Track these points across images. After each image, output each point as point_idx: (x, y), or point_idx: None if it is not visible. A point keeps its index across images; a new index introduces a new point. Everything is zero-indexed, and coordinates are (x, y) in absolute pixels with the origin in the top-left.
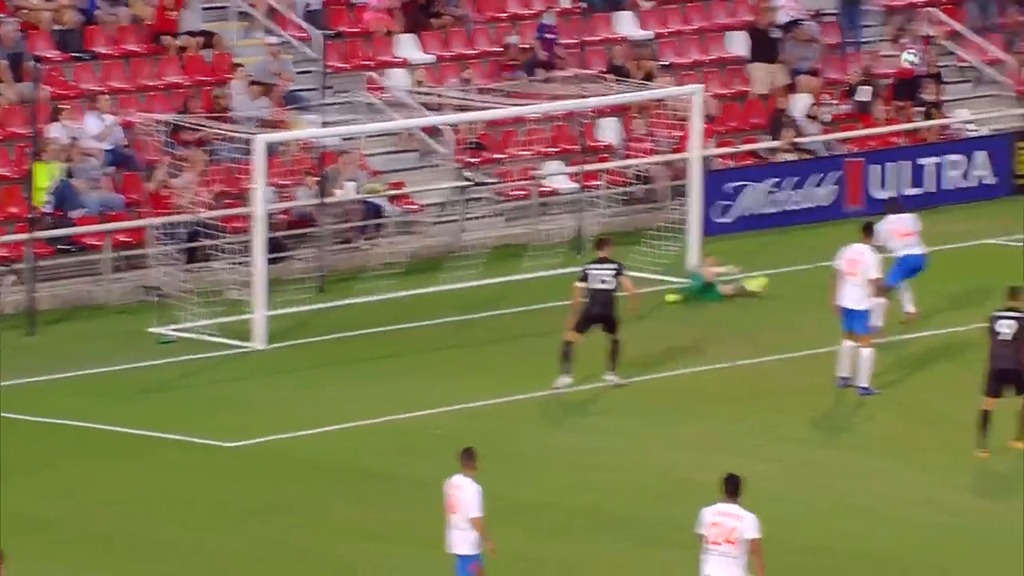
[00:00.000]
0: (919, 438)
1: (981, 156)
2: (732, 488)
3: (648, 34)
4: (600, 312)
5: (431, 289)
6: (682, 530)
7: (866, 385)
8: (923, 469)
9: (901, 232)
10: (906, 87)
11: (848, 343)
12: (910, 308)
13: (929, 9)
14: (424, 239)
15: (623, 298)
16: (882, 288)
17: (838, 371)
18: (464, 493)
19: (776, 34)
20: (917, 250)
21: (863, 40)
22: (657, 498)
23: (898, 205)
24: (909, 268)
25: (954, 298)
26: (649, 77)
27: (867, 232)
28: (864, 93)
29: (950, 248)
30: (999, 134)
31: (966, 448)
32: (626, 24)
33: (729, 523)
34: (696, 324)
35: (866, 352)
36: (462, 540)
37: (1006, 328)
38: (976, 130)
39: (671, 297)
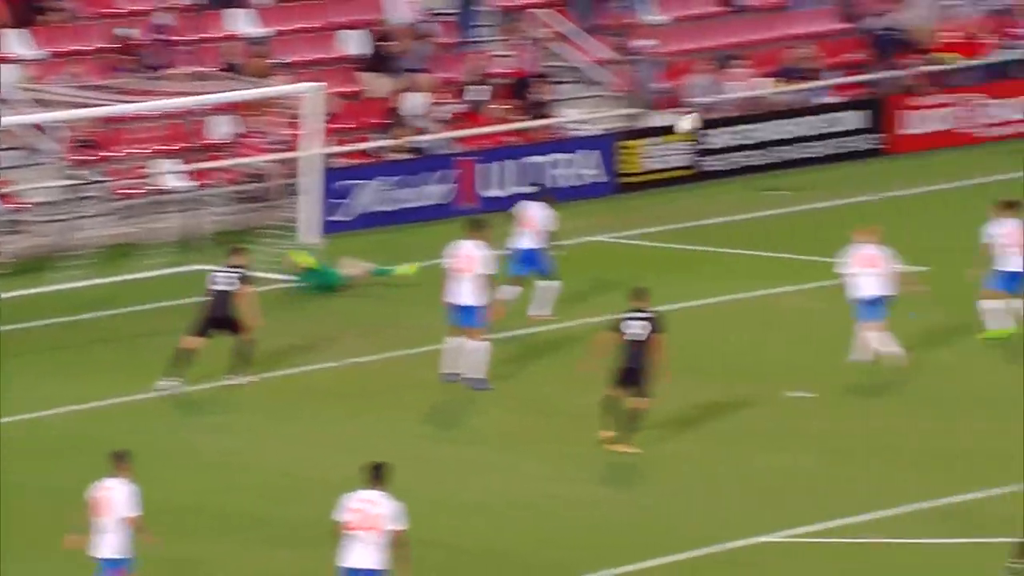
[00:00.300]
0: (534, 431)
1: (587, 155)
2: (376, 476)
3: (265, 32)
4: (220, 315)
5: (39, 289)
6: (310, 527)
7: (479, 378)
8: (540, 462)
9: (526, 221)
10: (517, 87)
11: (454, 339)
12: (537, 312)
13: (537, 10)
14: (32, 238)
15: (245, 306)
16: (514, 278)
17: (445, 367)
18: (115, 494)
19: (392, 41)
20: (523, 242)
21: (478, 40)
22: (282, 497)
23: (545, 195)
24: (517, 258)
25: (565, 294)
26: (265, 75)
27: (476, 229)
28: (477, 92)
29: (560, 245)
30: (604, 134)
31: (582, 440)
32: (242, 22)
33: (372, 510)
34: (312, 320)
35: (479, 346)
36: (108, 544)
37: (639, 329)
38: (582, 130)
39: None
